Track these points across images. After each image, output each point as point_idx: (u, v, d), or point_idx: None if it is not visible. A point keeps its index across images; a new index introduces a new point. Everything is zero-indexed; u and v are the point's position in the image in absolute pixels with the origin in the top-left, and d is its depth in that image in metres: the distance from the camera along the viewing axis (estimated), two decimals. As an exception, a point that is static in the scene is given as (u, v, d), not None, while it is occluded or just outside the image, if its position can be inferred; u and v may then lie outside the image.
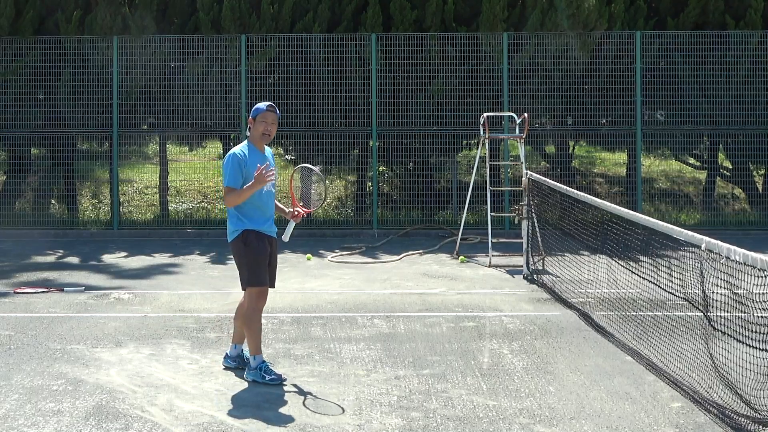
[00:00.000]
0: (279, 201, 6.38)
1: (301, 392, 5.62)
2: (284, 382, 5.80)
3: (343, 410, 5.25)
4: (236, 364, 6.15)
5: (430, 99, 14.93)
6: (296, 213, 6.08)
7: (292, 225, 6.11)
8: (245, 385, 5.78)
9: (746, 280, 5.05)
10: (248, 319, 5.85)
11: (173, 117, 15.17)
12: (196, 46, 14.91)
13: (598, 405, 5.36)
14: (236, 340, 6.23)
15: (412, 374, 6.04)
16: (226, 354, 6.27)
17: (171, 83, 14.96)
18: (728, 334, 5.81)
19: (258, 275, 5.83)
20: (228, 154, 5.92)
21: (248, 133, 5.95)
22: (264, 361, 5.87)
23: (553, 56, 14.84)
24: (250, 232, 5.83)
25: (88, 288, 9.48)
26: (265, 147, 6.03)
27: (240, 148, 5.90)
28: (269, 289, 6.02)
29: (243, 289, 5.95)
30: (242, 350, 6.19)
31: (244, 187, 5.75)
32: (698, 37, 14.73)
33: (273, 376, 5.80)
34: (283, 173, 16.12)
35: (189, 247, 13.12)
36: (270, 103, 5.94)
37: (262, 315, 7.68)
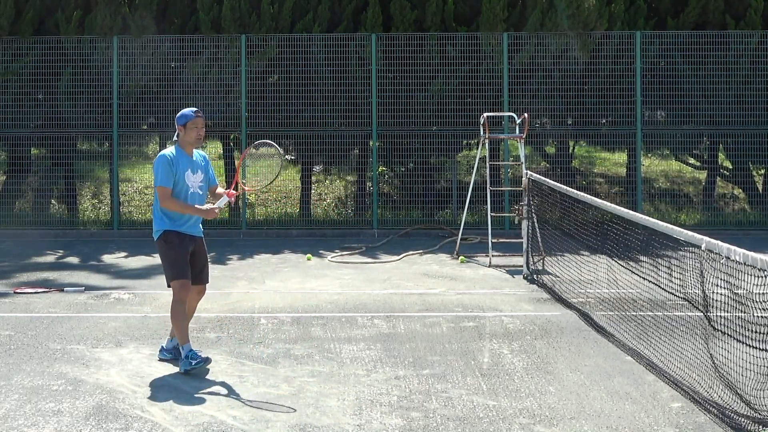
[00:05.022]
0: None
1: (301, 392, 5.62)
2: (208, 363, 6.08)
3: (343, 410, 5.25)
4: (171, 355, 6.40)
5: (430, 99, 14.93)
6: (231, 191, 6.30)
7: (224, 200, 6.28)
8: (245, 385, 5.79)
9: (746, 280, 5.05)
10: (173, 312, 6.14)
11: (173, 117, 15.11)
12: (196, 46, 14.91)
13: (598, 405, 5.36)
14: (173, 334, 6.46)
15: (412, 374, 6.04)
16: (162, 347, 6.51)
17: (171, 83, 14.96)
18: (728, 334, 5.80)
19: (178, 269, 6.15)
20: (159, 155, 6.35)
21: (176, 138, 6.43)
22: (191, 349, 6.07)
23: (553, 56, 14.84)
24: (170, 232, 6.21)
25: (88, 288, 9.48)
26: (194, 150, 6.44)
27: (170, 151, 6.34)
28: (203, 286, 6.39)
29: (168, 286, 6.22)
30: (177, 343, 6.35)
31: (195, 206, 6.18)
32: (698, 37, 14.73)
33: (198, 359, 6.01)
34: (283, 174, 16.10)
35: (189, 247, 13.09)
36: (196, 109, 6.43)
37: (262, 315, 7.73)
